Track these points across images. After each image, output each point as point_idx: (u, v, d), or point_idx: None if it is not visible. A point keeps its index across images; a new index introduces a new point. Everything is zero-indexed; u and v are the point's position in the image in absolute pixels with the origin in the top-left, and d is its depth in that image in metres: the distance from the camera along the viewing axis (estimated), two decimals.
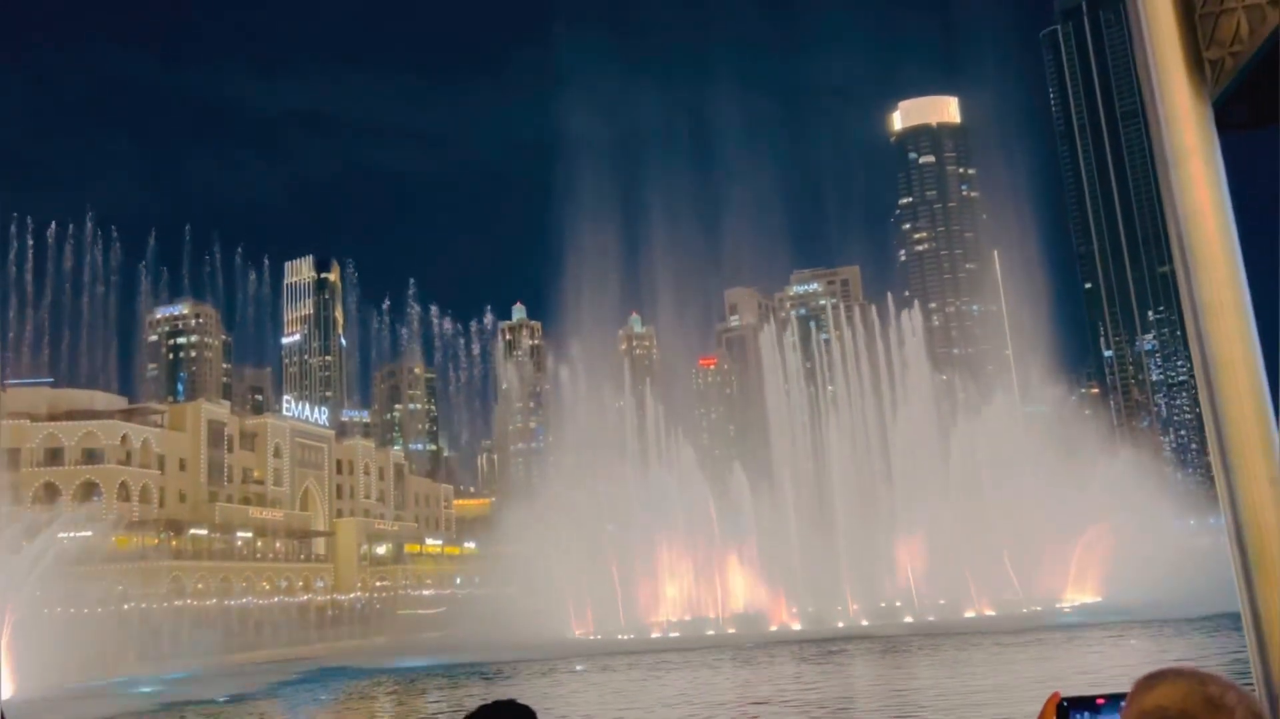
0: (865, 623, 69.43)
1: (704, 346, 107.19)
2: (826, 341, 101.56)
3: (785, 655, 47.07)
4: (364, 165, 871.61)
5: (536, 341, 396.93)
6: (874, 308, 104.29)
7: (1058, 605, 74.65)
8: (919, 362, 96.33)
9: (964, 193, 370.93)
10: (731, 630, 72.25)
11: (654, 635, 74.26)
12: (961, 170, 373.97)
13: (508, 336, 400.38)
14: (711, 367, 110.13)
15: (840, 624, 69.51)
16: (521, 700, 3.32)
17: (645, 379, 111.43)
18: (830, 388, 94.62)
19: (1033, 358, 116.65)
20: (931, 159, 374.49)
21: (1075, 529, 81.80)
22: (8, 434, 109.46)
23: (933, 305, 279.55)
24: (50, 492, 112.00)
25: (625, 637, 74.79)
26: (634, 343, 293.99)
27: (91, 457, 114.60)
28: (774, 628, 71.69)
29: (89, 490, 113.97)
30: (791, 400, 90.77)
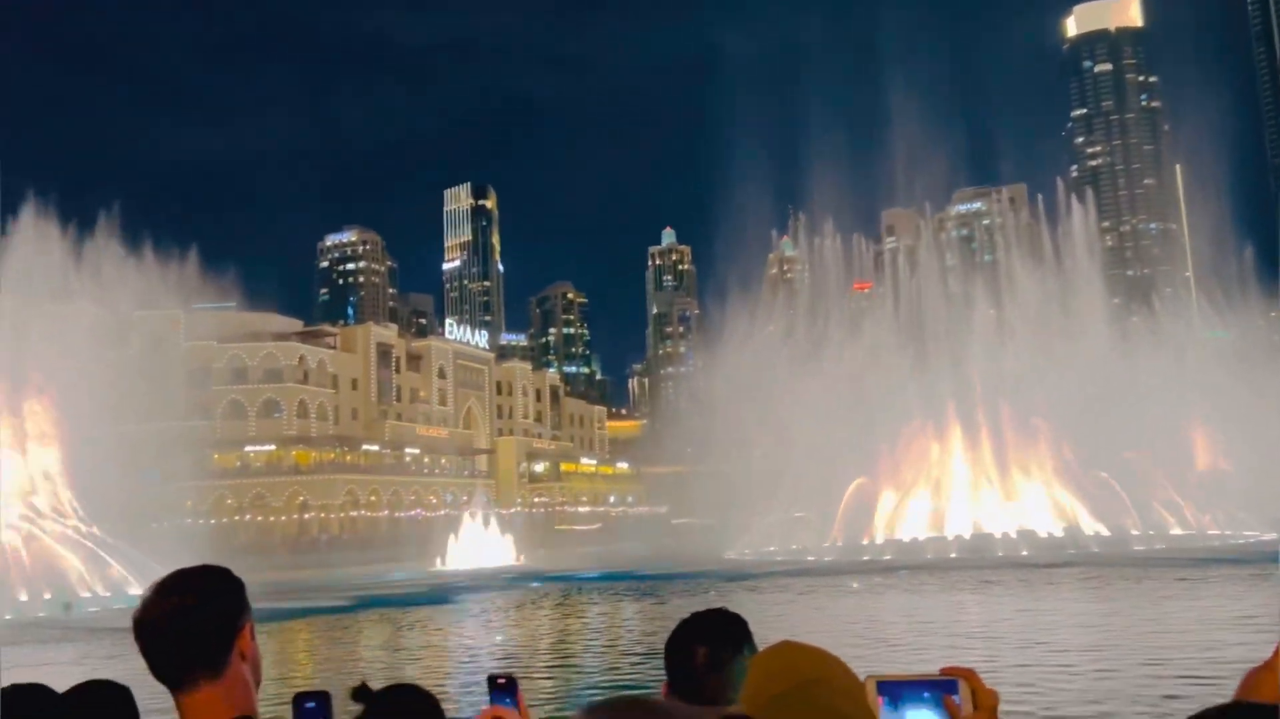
0: (1025, 552, 67.65)
1: (859, 270, 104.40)
2: (990, 262, 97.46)
3: (937, 583, 46.37)
4: (515, 92, 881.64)
5: (686, 266, 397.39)
6: (1040, 205, 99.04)
7: (1237, 541, 70.61)
8: (1091, 258, 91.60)
9: (1144, 103, 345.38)
10: (887, 556, 71.74)
11: (809, 558, 74.47)
12: (1142, 78, 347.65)
13: (658, 261, 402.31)
14: (867, 290, 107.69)
15: (1000, 553, 67.94)
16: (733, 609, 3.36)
17: (796, 303, 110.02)
18: (993, 311, 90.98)
19: (1216, 280, 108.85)
20: (1108, 67, 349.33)
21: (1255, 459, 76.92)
22: (197, 354, 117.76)
23: (1106, 224, 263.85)
24: (236, 408, 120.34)
25: (779, 558, 75.29)
26: (784, 266, 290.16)
27: (272, 376, 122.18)
28: (929, 555, 70.71)
29: (271, 407, 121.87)
30: (952, 323, 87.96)
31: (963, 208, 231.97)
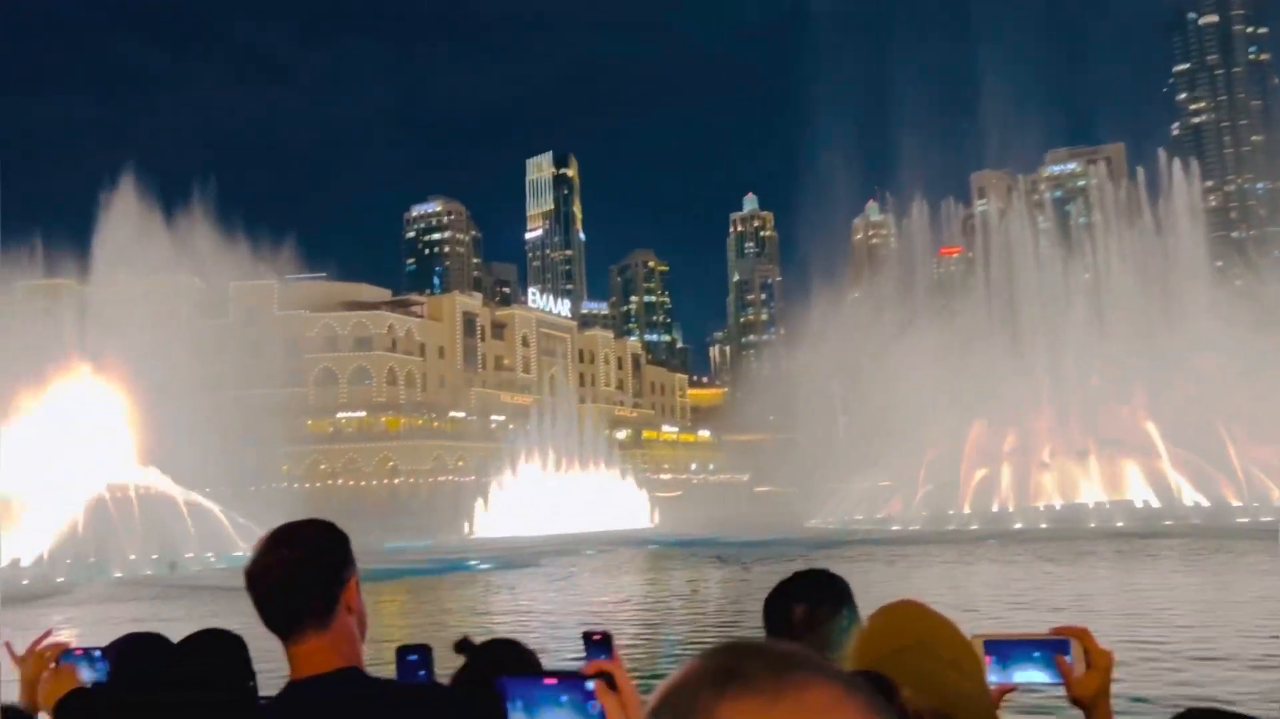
0: (1120, 523, 65.88)
1: (946, 234, 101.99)
2: (1085, 225, 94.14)
3: (1028, 553, 45.42)
4: (596, 58, 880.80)
5: (769, 232, 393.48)
6: (1140, 170, 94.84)
7: None
8: (1194, 222, 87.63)
9: (1252, 56, 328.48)
10: (975, 526, 70.53)
11: (894, 528, 73.74)
12: (1250, 30, 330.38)
13: (739, 227, 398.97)
14: (955, 255, 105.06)
15: (1093, 524, 66.27)
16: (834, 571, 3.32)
17: (881, 269, 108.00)
18: (1087, 275, 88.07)
19: None
20: (1214, 19, 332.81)
21: None
22: (292, 324, 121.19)
23: (1210, 184, 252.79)
24: (328, 376, 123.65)
25: (864, 527, 74.68)
26: (870, 231, 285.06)
27: (362, 344, 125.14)
28: (1019, 525, 69.29)
29: (361, 375, 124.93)
30: (1044, 289, 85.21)
31: (1056, 169, 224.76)
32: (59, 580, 51.29)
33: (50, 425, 63.78)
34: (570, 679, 1.68)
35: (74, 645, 3.50)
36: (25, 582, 51.45)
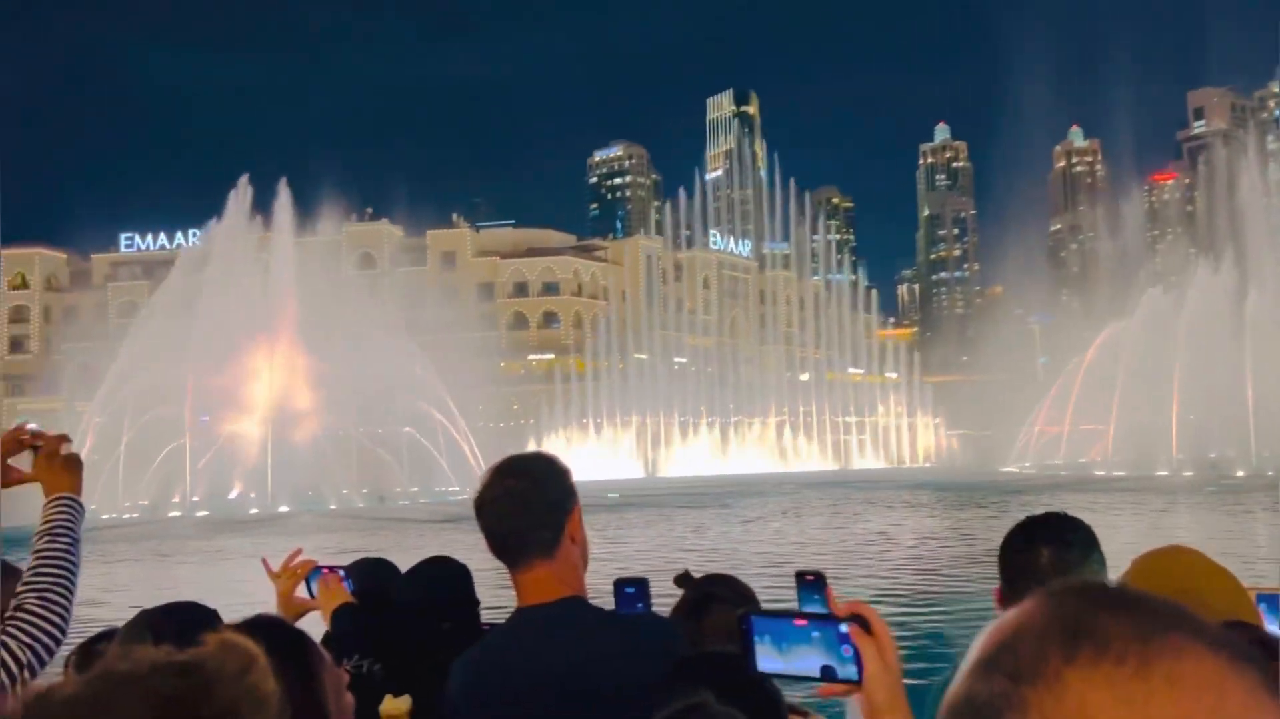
0: None
1: (1159, 159, 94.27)
2: None
3: (1250, 502, 42.19)
4: None
5: (962, 163, 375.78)
6: None
7: None
8: None
9: None
10: (1188, 473, 65.97)
11: (1097, 473, 70.08)
12: None
13: (929, 159, 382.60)
14: (1170, 181, 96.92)
15: None
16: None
17: (1086, 198, 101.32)
18: None
19: None
20: None
21: None
22: (484, 269, 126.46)
23: None
24: (519, 320, 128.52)
25: (1063, 472, 71.38)
26: (1073, 158, 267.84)
27: (549, 289, 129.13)
28: (1241, 473, 64.32)
29: (549, 319, 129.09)
30: (1274, 218, 77.62)
31: None
32: (281, 510, 55.84)
33: (270, 369, 68.96)
34: (823, 620, 1.63)
35: (321, 564, 3.74)
36: (253, 510, 56.46)
